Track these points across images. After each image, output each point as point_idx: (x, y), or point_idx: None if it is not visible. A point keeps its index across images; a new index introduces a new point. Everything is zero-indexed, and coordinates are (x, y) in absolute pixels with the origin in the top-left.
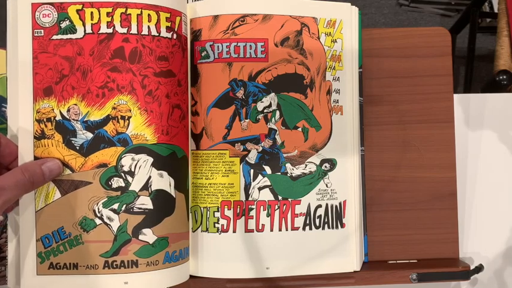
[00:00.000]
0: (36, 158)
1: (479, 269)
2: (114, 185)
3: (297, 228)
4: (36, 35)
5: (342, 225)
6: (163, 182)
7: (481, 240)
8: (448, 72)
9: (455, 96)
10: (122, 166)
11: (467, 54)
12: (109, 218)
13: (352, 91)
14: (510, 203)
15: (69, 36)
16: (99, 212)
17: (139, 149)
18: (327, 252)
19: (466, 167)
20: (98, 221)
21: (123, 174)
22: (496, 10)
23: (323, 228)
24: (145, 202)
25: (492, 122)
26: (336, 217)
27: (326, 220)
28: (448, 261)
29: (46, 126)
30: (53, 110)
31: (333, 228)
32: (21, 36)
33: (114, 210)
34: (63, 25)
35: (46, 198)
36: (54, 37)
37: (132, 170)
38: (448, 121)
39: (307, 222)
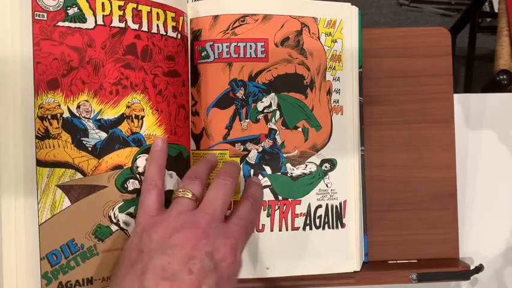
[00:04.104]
0: (38, 161)
1: (479, 269)
2: (130, 188)
3: (297, 228)
4: (37, 18)
5: (342, 225)
6: (172, 182)
7: (481, 240)
8: (448, 72)
9: (455, 96)
10: (137, 167)
11: (467, 54)
12: (125, 223)
13: (352, 91)
14: (510, 203)
15: (78, 25)
16: (115, 218)
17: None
18: (327, 252)
19: (466, 167)
20: (114, 228)
21: (138, 176)
22: (496, 10)
23: (323, 228)
24: None
25: (492, 122)
26: (336, 217)
27: (326, 220)
28: (448, 261)
29: (51, 124)
30: (59, 106)
31: (333, 228)
32: (18, 18)
33: (130, 214)
34: (70, 12)
35: (52, 208)
36: (60, 24)
37: None
38: (448, 121)
39: (308, 222)
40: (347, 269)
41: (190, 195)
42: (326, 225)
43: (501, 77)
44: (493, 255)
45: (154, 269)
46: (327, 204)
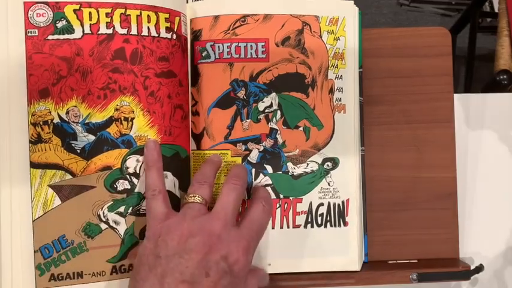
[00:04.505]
0: (32, 163)
1: (479, 269)
2: (120, 188)
3: (299, 226)
4: (29, 35)
5: (345, 224)
6: (168, 182)
7: (481, 240)
8: (448, 72)
9: (455, 96)
10: (127, 168)
11: (467, 54)
12: (115, 222)
13: (354, 89)
14: (510, 203)
15: (66, 36)
16: (104, 217)
17: (143, 151)
18: (330, 251)
19: (466, 167)
20: (103, 226)
21: (128, 176)
22: (496, 10)
23: (325, 227)
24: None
25: (492, 122)
26: (338, 215)
27: (328, 218)
28: (448, 261)
29: (43, 129)
30: (50, 112)
31: (335, 226)
32: (13, 37)
33: (120, 214)
34: (59, 25)
35: (44, 205)
36: (50, 37)
37: (137, 171)
38: (448, 121)
39: (309, 220)
40: (348, 267)
41: (200, 200)
42: (328, 224)
43: (501, 77)
44: (493, 255)
45: (173, 272)
46: (329, 203)
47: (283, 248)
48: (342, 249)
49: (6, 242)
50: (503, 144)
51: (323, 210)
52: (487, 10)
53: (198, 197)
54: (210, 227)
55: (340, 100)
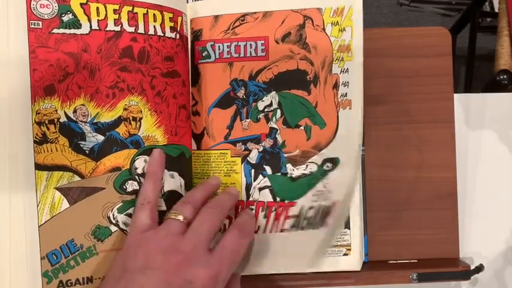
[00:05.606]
0: (37, 164)
1: (479, 269)
2: (129, 189)
3: (294, 227)
4: (32, 26)
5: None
6: (174, 182)
7: (481, 240)
8: (448, 72)
9: (456, 96)
10: (136, 168)
11: (467, 54)
12: (125, 224)
13: (361, 82)
14: (510, 203)
15: (73, 31)
16: (114, 218)
17: (151, 151)
18: (331, 251)
19: (466, 167)
20: (113, 228)
21: (137, 177)
22: (496, 10)
23: (318, 228)
24: (159, 204)
25: (492, 122)
26: (325, 217)
27: (319, 220)
28: (448, 261)
29: (48, 129)
30: (56, 111)
31: (326, 227)
32: (14, 27)
33: (129, 215)
34: (65, 18)
35: (51, 209)
36: (55, 31)
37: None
38: (448, 121)
39: (303, 221)
40: (350, 267)
41: (181, 218)
42: (321, 225)
43: (501, 77)
44: (493, 255)
45: None
46: (320, 205)
47: (284, 248)
48: (343, 249)
49: (10, 250)
50: (503, 144)
51: (313, 212)
52: (487, 10)
53: (180, 214)
54: (180, 247)
55: (345, 95)
